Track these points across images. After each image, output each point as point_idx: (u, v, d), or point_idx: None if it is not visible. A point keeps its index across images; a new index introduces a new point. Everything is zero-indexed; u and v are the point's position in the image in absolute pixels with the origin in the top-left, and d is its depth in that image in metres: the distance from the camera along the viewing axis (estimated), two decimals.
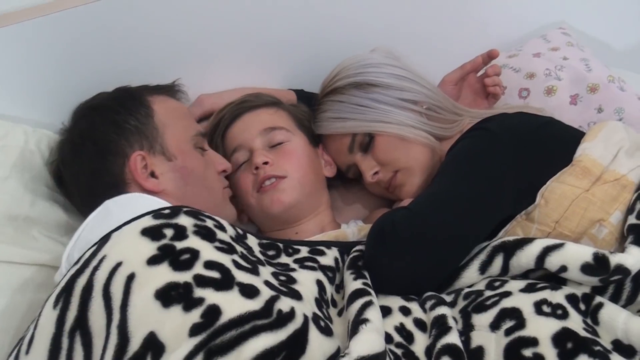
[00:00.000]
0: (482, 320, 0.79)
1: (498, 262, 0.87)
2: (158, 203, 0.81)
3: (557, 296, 0.80)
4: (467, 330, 0.79)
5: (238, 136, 1.12)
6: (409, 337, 0.80)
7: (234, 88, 1.25)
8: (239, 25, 1.22)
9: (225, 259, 0.73)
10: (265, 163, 1.06)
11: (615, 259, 0.80)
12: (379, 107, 1.09)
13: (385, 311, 0.83)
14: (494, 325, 0.78)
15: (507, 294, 0.82)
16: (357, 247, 0.94)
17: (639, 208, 0.88)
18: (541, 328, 0.74)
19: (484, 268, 0.88)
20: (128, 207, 0.80)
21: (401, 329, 0.81)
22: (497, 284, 0.86)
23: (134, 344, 0.65)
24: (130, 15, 1.09)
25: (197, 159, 0.97)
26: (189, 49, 1.19)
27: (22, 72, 1.05)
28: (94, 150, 0.94)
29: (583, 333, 0.74)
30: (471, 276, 0.88)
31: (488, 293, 0.84)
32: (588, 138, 1.00)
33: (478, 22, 1.50)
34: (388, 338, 0.78)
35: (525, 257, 0.85)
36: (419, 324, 0.82)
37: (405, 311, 0.84)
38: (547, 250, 0.83)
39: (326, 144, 1.19)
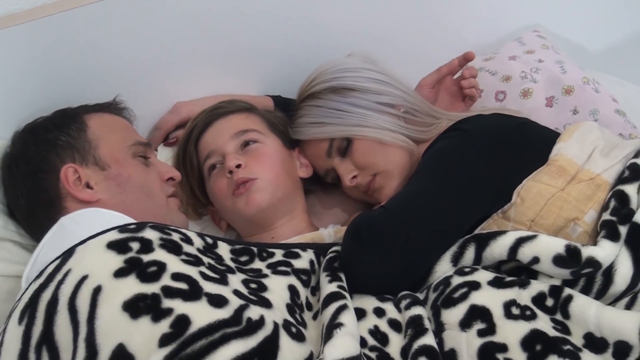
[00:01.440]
0: (451, 317, 0.80)
1: (470, 252, 0.87)
2: (116, 216, 0.81)
3: (524, 297, 0.80)
4: (439, 330, 0.80)
5: (211, 142, 1.12)
6: (383, 339, 0.80)
7: (211, 95, 1.24)
8: (216, 32, 1.22)
9: (192, 271, 0.72)
10: (238, 166, 1.06)
11: (587, 252, 0.81)
12: (357, 111, 1.09)
13: (359, 313, 0.82)
14: (464, 324, 0.78)
15: (476, 285, 0.82)
16: (334, 248, 0.94)
17: (612, 205, 0.89)
18: (509, 334, 0.75)
19: (456, 259, 0.88)
20: (85, 222, 0.80)
21: (375, 332, 0.81)
22: (467, 269, 0.86)
23: (103, 356, 0.64)
24: (105, 22, 1.08)
25: (133, 167, 0.97)
26: (165, 56, 1.18)
27: None
28: (26, 171, 0.93)
29: (553, 333, 0.74)
30: (444, 269, 0.89)
31: (456, 280, 0.84)
32: (563, 138, 1.01)
33: (454, 26, 1.51)
34: (362, 342, 0.78)
35: (499, 248, 0.85)
36: (394, 324, 0.82)
37: (380, 312, 0.84)
38: (520, 242, 0.84)
39: (304, 149, 1.19)
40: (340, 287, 0.83)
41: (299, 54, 1.30)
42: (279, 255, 0.90)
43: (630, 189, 0.90)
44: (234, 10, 1.21)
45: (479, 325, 0.77)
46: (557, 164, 0.96)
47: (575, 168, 0.95)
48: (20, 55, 1.02)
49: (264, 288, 0.79)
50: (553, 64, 1.39)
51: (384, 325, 0.82)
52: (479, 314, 0.78)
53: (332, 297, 0.80)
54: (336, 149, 1.11)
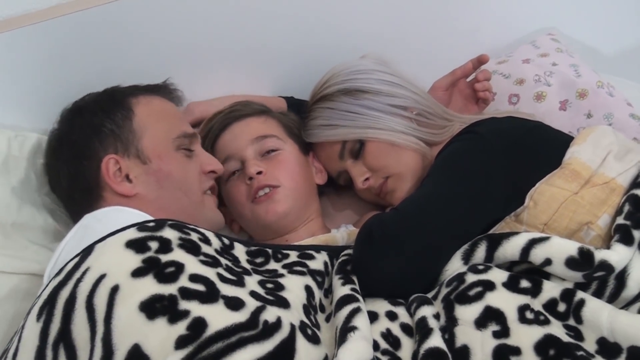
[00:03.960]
0: (466, 314, 0.79)
1: (481, 251, 0.87)
2: (138, 216, 0.81)
3: (536, 305, 0.80)
4: (450, 324, 0.79)
5: (228, 145, 1.11)
6: (395, 342, 0.80)
7: (224, 96, 1.24)
8: (229, 33, 1.22)
9: (210, 273, 0.72)
10: (259, 173, 1.06)
11: (600, 255, 0.80)
12: (369, 113, 1.09)
13: (372, 317, 0.82)
14: (480, 323, 0.78)
15: (491, 285, 0.82)
16: (346, 251, 0.94)
17: (627, 210, 0.88)
18: (523, 338, 0.75)
19: (467, 258, 0.88)
20: (107, 222, 0.79)
21: (387, 335, 0.81)
22: (480, 267, 0.85)
23: (119, 356, 0.64)
24: (119, 22, 1.08)
25: (175, 162, 0.96)
26: (178, 56, 1.19)
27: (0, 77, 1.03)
28: (70, 154, 0.94)
29: (566, 338, 0.74)
30: (455, 267, 0.88)
31: (470, 278, 0.83)
32: (577, 141, 1.00)
33: (468, 29, 1.50)
34: (374, 345, 0.78)
35: (511, 248, 0.85)
36: (406, 328, 0.82)
37: (392, 316, 0.83)
38: (533, 243, 0.83)
39: (317, 152, 1.18)
40: (353, 289, 0.83)
41: (312, 55, 1.30)
42: (293, 256, 0.90)
43: None
44: (247, 10, 1.21)
45: (494, 327, 0.77)
46: (571, 167, 0.95)
47: (589, 172, 0.95)
48: (35, 54, 1.03)
49: (281, 287, 0.79)
50: (567, 67, 1.39)
51: (396, 329, 0.82)
52: (494, 315, 0.78)
53: (346, 299, 0.80)
54: (349, 151, 1.11)
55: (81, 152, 0.93)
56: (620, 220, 0.88)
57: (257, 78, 1.31)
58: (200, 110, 1.21)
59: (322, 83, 1.15)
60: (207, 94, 1.24)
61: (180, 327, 0.65)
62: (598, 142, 1.00)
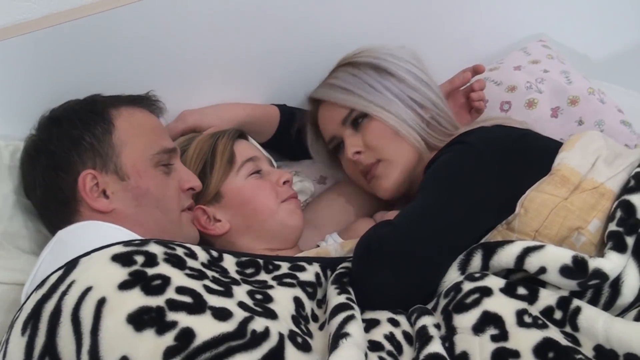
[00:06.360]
0: (463, 321, 0.80)
1: (477, 260, 0.88)
2: (116, 230, 0.81)
3: (533, 311, 0.80)
4: (450, 334, 0.80)
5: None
6: (398, 347, 0.80)
7: (217, 104, 1.24)
8: (221, 41, 1.22)
9: (196, 285, 0.72)
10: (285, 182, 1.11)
11: (594, 263, 0.81)
12: (387, 95, 1.11)
13: (374, 323, 0.83)
14: (477, 328, 0.78)
15: (488, 291, 0.82)
16: (344, 264, 0.94)
17: (619, 216, 0.89)
18: (522, 341, 0.75)
19: (463, 267, 0.88)
20: (84, 236, 0.80)
21: (391, 338, 0.81)
22: (477, 275, 0.86)
23: None
24: (109, 32, 1.08)
25: (153, 180, 0.94)
26: (169, 65, 1.18)
27: None
28: (47, 164, 0.92)
29: (565, 342, 0.74)
30: (452, 277, 0.88)
31: (467, 286, 0.84)
32: (566, 147, 1.01)
33: (459, 36, 1.51)
34: (379, 346, 0.79)
35: (506, 256, 0.85)
36: (407, 337, 0.82)
37: (394, 323, 0.84)
38: (527, 251, 0.84)
39: (319, 111, 1.19)
40: (348, 299, 0.83)
41: (305, 63, 1.31)
42: (284, 267, 0.89)
43: (636, 199, 0.89)
44: (239, 19, 1.21)
45: (492, 331, 0.77)
46: (560, 173, 0.95)
47: (578, 177, 0.95)
48: (25, 65, 1.03)
49: (269, 299, 0.79)
50: (558, 74, 1.39)
51: (399, 335, 0.82)
52: (492, 320, 0.79)
53: (340, 307, 0.80)
54: (352, 120, 1.13)
55: (58, 164, 0.91)
56: (612, 226, 0.88)
57: (250, 86, 1.31)
58: (193, 119, 1.20)
59: (355, 52, 1.17)
60: (199, 102, 1.24)
61: (168, 338, 0.65)
62: (586, 148, 1.00)
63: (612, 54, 1.76)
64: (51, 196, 0.91)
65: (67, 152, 0.91)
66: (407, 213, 0.94)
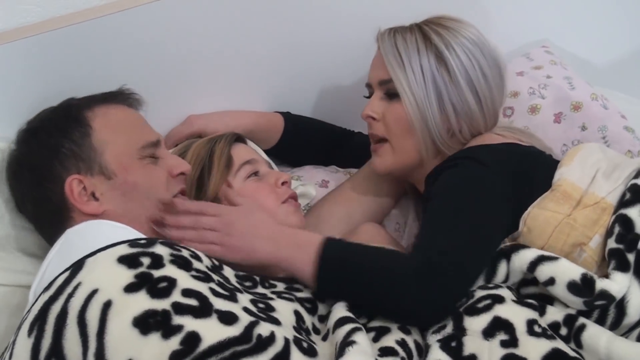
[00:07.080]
0: (474, 324, 0.81)
1: (503, 269, 0.89)
2: (120, 228, 0.81)
3: (542, 323, 0.81)
4: (459, 333, 0.81)
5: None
6: (409, 355, 0.81)
7: (221, 111, 1.25)
8: (225, 48, 1.22)
9: (202, 287, 0.72)
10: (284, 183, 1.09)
11: (601, 284, 0.82)
12: (428, 86, 1.04)
13: (384, 330, 0.83)
14: (488, 333, 0.79)
15: (500, 298, 0.84)
16: None
17: (617, 231, 0.89)
18: (531, 350, 0.76)
19: (489, 278, 0.90)
20: (90, 236, 0.79)
21: (403, 344, 0.81)
22: (490, 285, 0.88)
23: None
24: (111, 36, 1.08)
25: (140, 171, 0.92)
26: (174, 71, 1.19)
27: None
28: (31, 178, 0.91)
29: (573, 354, 0.75)
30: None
31: (480, 293, 0.86)
32: (565, 162, 1.00)
33: None
34: (393, 351, 0.79)
35: (519, 261, 0.88)
36: (418, 346, 0.83)
37: (406, 331, 0.84)
38: (542, 259, 0.86)
39: (378, 47, 1.13)
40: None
41: (309, 70, 1.32)
42: (280, 287, 0.89)
43: (633, 212, 0.90)
44: (243, 25, 1.22)
45: (502, 337, 0.79)
46: (561, 189, 0.95)
47: (579, 192, 0.95)
48: (24, 68, 1.02)
49: (271, 309, 0.79)
50: (561, 80, 1.39)
51: (410, 342, 0.82)
52: (503, 326, 0.80)
53: (345, 320, 0.80)
54: (387, 89, 1.09)
55: (42, 175, 0.90)
56: (612, 243, 0.89)
57: (254, 93, 1.31)
58: (199, 123, 1.21)
59: (440, 19, 1.10)
60: (203, 108, 1.24)
61: (174, 342, 0.65)
62: (585, 161, 1.00)
63: (614, 60, 1.76)
64: (42, 208, 0.91)
65: (48, 162, 0.90)
66: (430, 236, 0.91)
